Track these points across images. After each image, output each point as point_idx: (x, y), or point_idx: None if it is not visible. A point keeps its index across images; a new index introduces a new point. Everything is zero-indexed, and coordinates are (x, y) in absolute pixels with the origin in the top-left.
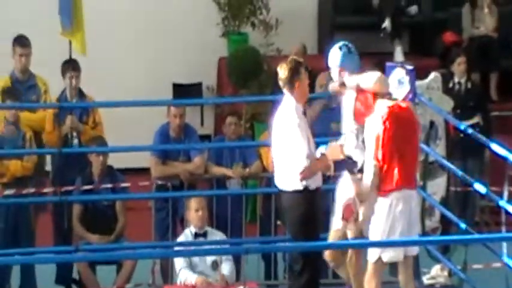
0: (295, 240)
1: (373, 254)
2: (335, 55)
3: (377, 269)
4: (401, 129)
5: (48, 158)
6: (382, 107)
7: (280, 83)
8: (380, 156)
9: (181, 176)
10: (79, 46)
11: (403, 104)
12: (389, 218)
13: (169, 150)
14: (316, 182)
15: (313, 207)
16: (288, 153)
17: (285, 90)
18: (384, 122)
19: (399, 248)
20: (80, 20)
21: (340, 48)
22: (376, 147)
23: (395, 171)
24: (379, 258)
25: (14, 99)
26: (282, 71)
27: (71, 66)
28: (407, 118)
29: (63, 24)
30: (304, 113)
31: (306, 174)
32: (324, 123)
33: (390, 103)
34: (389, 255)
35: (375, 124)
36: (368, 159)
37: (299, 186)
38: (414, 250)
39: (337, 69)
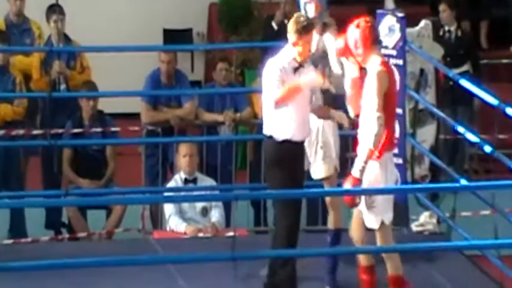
0: (268, 186)
1: (374, 221)
2: None
3: (388, 233)
4: (393, 88)
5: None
6: (376, 62)
7: (288, 32)
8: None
9: (172, 122)
10: None
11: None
12: (384, 180)
13: (160, 96)
14: (297, 135)
15: (287, 155)
16: (265, 99)
17: (288, 41)
18: (381, 78)
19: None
20: None
21: None
22: (380, 99)
23: (388, 131)
24: (382, 223)
25: (5, 43)
26: (294, 23)
27: (55, 10)
28: (394, 78)
29: None
30: (296, 69)
31: (279, 100)
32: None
33: (381, 59)
34: (390, 216)
35: (373, 78)
36: (371, 112)
37: (277, 134)
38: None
39: (317, 4)
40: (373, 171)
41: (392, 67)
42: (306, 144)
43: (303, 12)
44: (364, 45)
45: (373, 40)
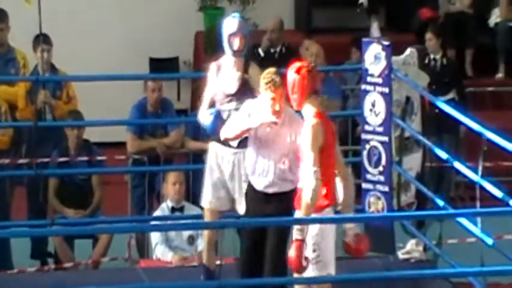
0: None
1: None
2: (241, 24)
3: None
4: (330, 139)
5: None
6: (310, 113)
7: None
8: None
9: (158, 150)
10: None
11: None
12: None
13: (146, 125)
14: (258, 184)
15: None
16: None
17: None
18: (315, 131)
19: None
20: None
21: (237, 16)
22: (315, 153)
23: (327, 186)
24: None
25: None
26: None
27: (42, 40)
28: (331, 128)
29: None
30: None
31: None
32: None
33: (315, 110)
34: (333, 270)
35: (307, 131)
36: (307, 166)
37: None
38: None
39: (241, 37)
40: (315, 226)
41: (328, 118)
42: (227, 178)
43: (227, 45)
44: (300, 93)
45: (310, 90)
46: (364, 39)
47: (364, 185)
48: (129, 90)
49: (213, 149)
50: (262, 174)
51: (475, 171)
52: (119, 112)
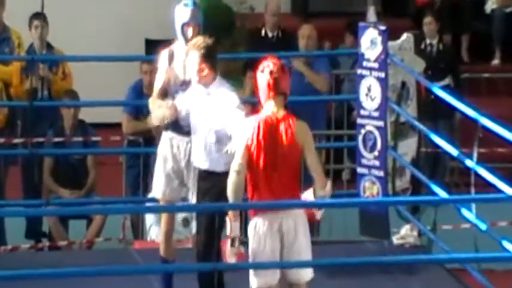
0: None
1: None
2: (194, 12)
3: None
4: (261, 148)
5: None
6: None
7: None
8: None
9: (153, 131)
10: None
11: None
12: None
13: (142, 106)
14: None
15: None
16: None
17: None
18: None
19: (270, 272)
20: None
21: (191, 5)
22: (240, 147)
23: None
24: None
25: None
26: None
27: (36, 17)
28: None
29: None
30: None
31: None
32: (300, 78)
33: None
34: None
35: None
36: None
37: None
38: (302, 274)
39: (195, 26)
40: (250, 232)
41: (282, 121)
42: (183, 167)
43: (180, 34)
44: (262, 92)
45: (274, 90)
46: (361, 24)
47: (359, 170)
48: (124, 71)
49: (167, 138)
50: (196, 150)
51: (470, 157)
52: (115, 93)
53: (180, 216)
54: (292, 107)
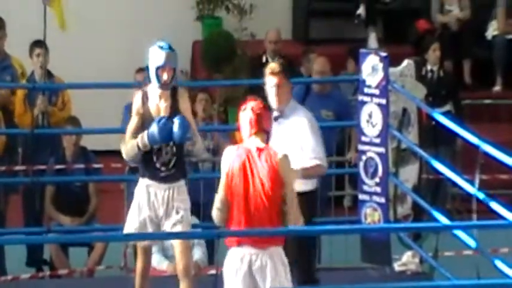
0: None
1: None
2: (169, 56)
3: None
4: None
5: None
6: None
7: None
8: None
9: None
10: (58, 21)
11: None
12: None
13: None
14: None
15: None
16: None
17: None
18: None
19: None
20: None
21: (166, 47)
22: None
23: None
24: None
25: None
26: None
27: (38, 45)
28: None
29: None
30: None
31: None
32: (314, 110)
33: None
34: None
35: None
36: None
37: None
38: None
39: (169, 70)
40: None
41: (263, 156)
42: (161, 215)
43: (154, 76)
44: (246, 130)
45: (257, 128)
46: (362, 51)
47: (361, 196)
48: (126, 98)
49: (144, 185)
50: None
51: (472, 183)
52: (116, 120)
53: None
54: None
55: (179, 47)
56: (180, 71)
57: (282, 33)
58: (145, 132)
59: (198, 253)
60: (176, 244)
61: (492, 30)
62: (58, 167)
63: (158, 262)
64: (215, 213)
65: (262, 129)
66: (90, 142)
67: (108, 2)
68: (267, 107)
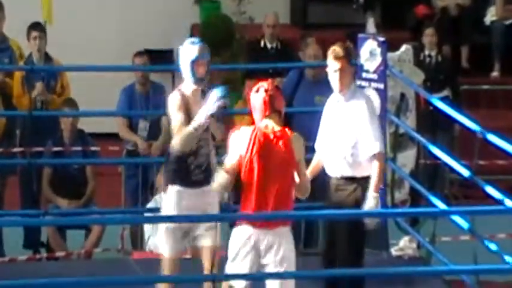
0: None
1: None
2: (202, 49)
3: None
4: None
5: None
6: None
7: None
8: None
9: (139, 146)
10: (45, 13)
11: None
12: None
13: (136, 108)
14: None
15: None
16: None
17: None
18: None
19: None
20: None
21: (197, 42)
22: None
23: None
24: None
25: None
26: None
27: (35, 28)
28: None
29: None
30: None
31: None
32: (308, 96)
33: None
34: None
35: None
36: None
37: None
38: None
39: (205, 64)
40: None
41: (275, 135)
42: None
43: (189, 72)
44: (259, 112)
45: (270, 110)
46: (360, 35)
47: None
48: (124, 81)
49: (174, 192)
50: (333, 159)
51: (469, 169)
52: (114, 103)
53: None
54: (298, 119)
55: (177, 30)
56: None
57: (280, 18)
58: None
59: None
60: (207, 253)
61: (490, 15)
62: (56, 149)
63: (155, 246)
64: (216, 187)
65: (275, 110)
66: (88, 125)
67: None
68: (279, 88)
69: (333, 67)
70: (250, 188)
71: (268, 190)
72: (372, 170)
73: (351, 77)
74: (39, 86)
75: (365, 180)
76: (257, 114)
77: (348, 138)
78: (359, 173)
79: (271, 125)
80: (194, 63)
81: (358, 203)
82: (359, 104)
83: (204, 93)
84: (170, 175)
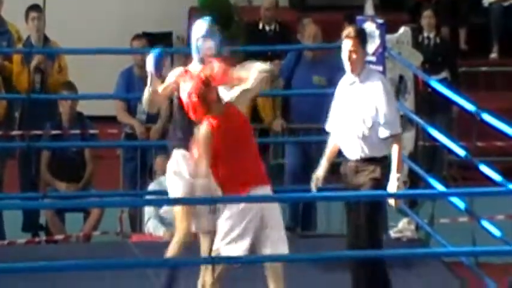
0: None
1: None
2: (213, 28)
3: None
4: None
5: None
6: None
7: None
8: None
9: (137, 130)
10: None
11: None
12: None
13: (134, 91)
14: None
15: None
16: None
17: None
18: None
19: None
20: None
21: (208, 20)
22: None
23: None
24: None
25: None
26: None
27: (33, 9)
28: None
29: None
30: None
31: None
32: (306, 77)
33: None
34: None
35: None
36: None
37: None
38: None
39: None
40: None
41: (232, 114)
42: None
43: (195, 49)
44: (201, 112)
45: (208, 105)
46: (359, 17)
47: None
48: (122, 64)
49: (180, 155)
50: (350, 140)
51: (468, 150)
52: (112, 86)
53: None
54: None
55: (175, 12)
56: (177, 37)
57: (279, 0)
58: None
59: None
60: (176, 213)
61: None
62: (54, 132)
63: (154, 228)
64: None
65: (212, 102)
66: (86, 108)
67: None
68: (209, 79)
69: (345, 47)
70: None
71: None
72: (392, 152)
73: (364, 58)
74: (37, 57)
75: (383, 159)
76: (197, 115)
77: (366, 119)
78: (377, 153)
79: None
80: (200, 39)
81: (379, 182)
82: (375, 85)
83: None
84: (174, 139)
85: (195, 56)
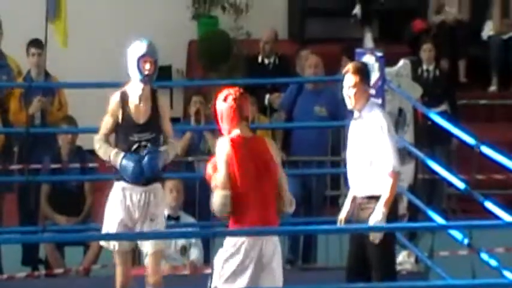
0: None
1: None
2: (151, 47)
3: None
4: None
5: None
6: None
7: None
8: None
9: None
10: (60, 38)
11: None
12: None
13: None
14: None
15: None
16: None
17: None
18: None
19: None
20: (63, 11)
21: (146, 40)
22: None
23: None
24: None
25: None
26: None
27: (34, 44)
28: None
29: (49, 14)
30: None
31: None
32: (308, 107)
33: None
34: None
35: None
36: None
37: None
38: None
39: (152, 61)
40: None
41: (254, 141)
42: (136, 217)
43: (135, 69)
44: (228, 121)
45: (239, 118)
46: (358, 50)
47: None
48: None
49: (120, 188)
50: (355, 177)
51: (467, 183)
52: None
53: (179, 244)
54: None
55: (175, 46)
56: (176, 70)
57: (278, 33)
58: (121, 156)
59: (195, 253)
60: (151, 259)
61: (488, 30)
62: (53, 166)
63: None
64: (219, 209)
65: (244, 117)
66: (86, 141)
67: (104, 0)
68: (246, 95)
69: (346, 83)
70: (242, 194)
71: (264, 194)
72: (385, 186)
73: (366, 94)
74: (38, 98)
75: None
76: (225, 123)
77: (366, 155)
78: (380, 191)
79: (243, 132)
80: (141, 59)
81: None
82: (376, 121)
83: (154, 93)
84: (115, 171)
85: (135, 77)
